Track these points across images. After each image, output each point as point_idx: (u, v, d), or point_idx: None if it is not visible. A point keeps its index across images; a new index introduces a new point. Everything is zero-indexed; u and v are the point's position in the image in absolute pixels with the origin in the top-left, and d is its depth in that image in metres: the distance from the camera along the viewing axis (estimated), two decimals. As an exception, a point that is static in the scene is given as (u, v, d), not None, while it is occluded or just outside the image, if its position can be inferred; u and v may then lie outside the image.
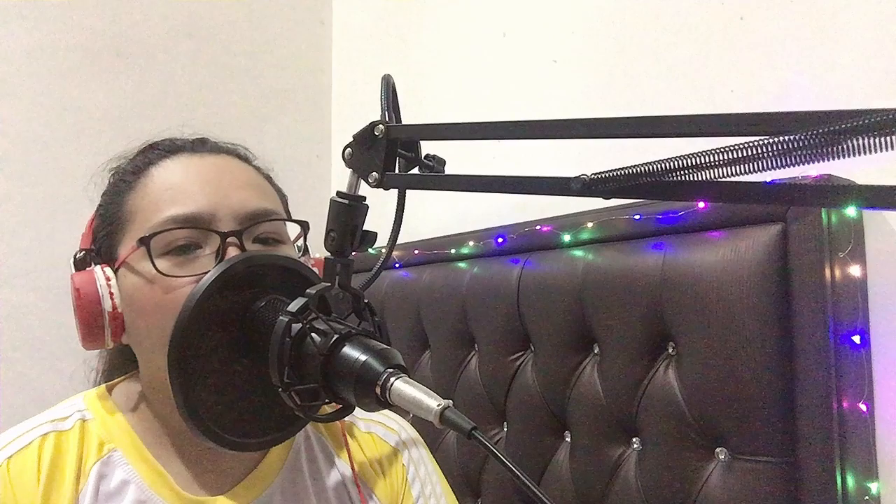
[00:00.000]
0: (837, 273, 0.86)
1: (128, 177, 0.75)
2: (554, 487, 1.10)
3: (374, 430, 0.84)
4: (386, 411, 0.86)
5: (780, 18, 1.02)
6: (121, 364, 0.82)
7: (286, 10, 1.89)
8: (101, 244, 0.74)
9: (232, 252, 0.69)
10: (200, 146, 0.77)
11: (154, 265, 0.68)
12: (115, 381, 0.79)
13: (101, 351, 0.83)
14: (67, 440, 0.70)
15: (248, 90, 1.80)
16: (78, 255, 0.75)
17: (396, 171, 0.64)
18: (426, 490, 0.82)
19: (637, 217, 1.02)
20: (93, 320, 0.70)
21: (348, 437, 0.82)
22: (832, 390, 0.84)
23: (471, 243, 1.29)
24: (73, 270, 0.73)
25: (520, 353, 1.18)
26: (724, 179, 0.42)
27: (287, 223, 0.77)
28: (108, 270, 0.72)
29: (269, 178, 0.81)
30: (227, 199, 0.71)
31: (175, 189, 0.71)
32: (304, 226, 0.78)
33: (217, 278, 0.65)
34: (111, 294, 0.70)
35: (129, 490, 0.70)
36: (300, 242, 0.79)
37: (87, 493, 0.68)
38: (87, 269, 0.72)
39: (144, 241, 0.68)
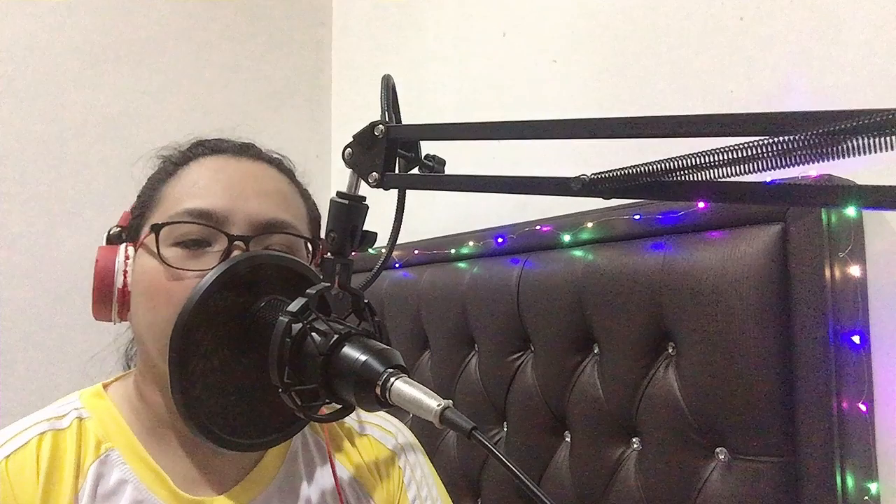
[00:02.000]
0: (837, 273, 0.86)
1: (170, 166, 0.77)
2: (554, 487, 1.10)
3: (371, 432, 0.84)
4: (383, 414, 0.86)
5: (780, 18, 1.02)
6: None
7: (286, 10, 1.89)
8: (132, 224, 0.77)
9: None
10: (243, 151, 0.79)
11: (159, 252, 0.69)
12: (111, 379, 0.80)
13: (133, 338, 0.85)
14: (65, 439, 0.70)
15: (248, 90, 1.80)
16: (112, 231, 0.77)
17: (396, 171, 0.64)
18: (422, 493, 0.82)
19: (637, 217, 1.02)
20: (102, 294, 0.72)
21: (345, 439, 0.82)
22: (832, 390, 0.84)
23: (471, 243, 1.29)
24: (104, 244, 0.76)
25: (520, 353, 1.18)
26: (724, 179, 0.42)
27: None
28: (131, 250, 0.74)
29: (305, 196, 0.81)
30: (244, 204, 0.72)
31: (200, 185, 0.73)
32: (316, 244, 0.78)
33: (218, 277, 0.65)
34: (125, 272, 0.72)
35: (127, 490, 0.69)
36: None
37: (86, 493, 0.68)
38: (116, 245, 0.75)
39: (156, 228, 0.70)
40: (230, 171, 0.75)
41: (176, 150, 0.80)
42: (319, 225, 0.83)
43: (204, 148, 0.78)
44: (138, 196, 0.78)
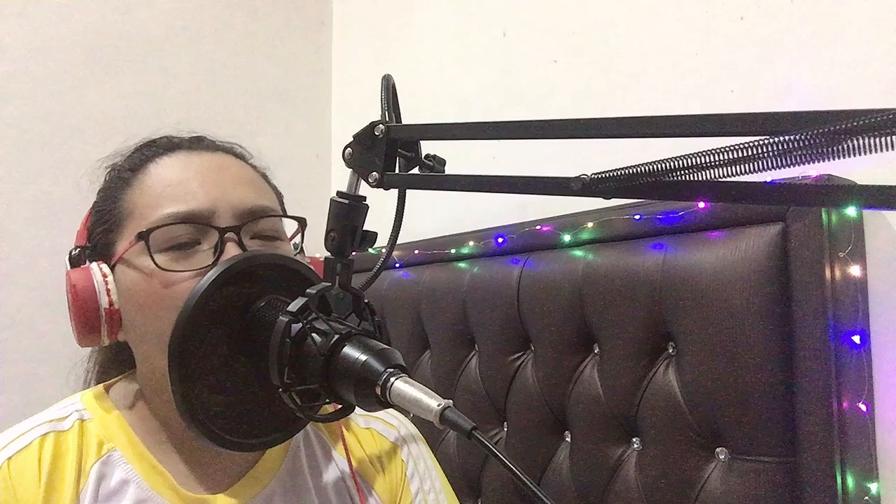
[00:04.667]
0: (837, 273, 0.86)
1: (125, 174, 0.75)
2: (554, 487, 1.10)
3: (374, 425, 0.84)
4: None
5: (780, 18, 1.02)
6: (114, 363, 0.82)
7: (286, 10, 1.89)
8: (98, 241, 0.74)
9: (230, 247, 0.69)
10: (197, 144, 0.78)
11: (153, 259, 0.68)
12: (113, 380, 0.79)
13: (93, 350, 0.83)
14: (66, 440, 0.70)
15: (248, 90, 1.80)
16: (73, 253, 0.75)
17: (396, 171, 0.64)
18: (425, 486, 0.82)
19: (637, 217, 1.02)
20: (89, 317, 0.70)
21: (347, 432, 0.82)
22: (832, 390, 0.84)
23: (471, 243, 1.29)
24: (69, 268, 0.73)
25: (520, 353, 1.18)
26: (724, 179, 0.42)
27: (284, 220, 0.78)
28: (105, 267, 0.72)
29: (265, 176, 0.81)
30: (225, 196, 0.71)
31: (174, 186, 0.71)
32: (302, 222, 0.78)
33: (218, 277, 0.65)
34: (108, 291, 0.70)
35: (129, 489, 0.70)
36: (297, 239, 0.80)
37: (88, 494, 0.68)
38: (83, 266, 0.72)
39: (143, 236, 0.69)
40: (196, 167, 0.74)
41: (122, 156, 0.78)
42: (283, 203, 0.82)
43: (156, 148, 0.76)
44: (96, 212, 0.76)
